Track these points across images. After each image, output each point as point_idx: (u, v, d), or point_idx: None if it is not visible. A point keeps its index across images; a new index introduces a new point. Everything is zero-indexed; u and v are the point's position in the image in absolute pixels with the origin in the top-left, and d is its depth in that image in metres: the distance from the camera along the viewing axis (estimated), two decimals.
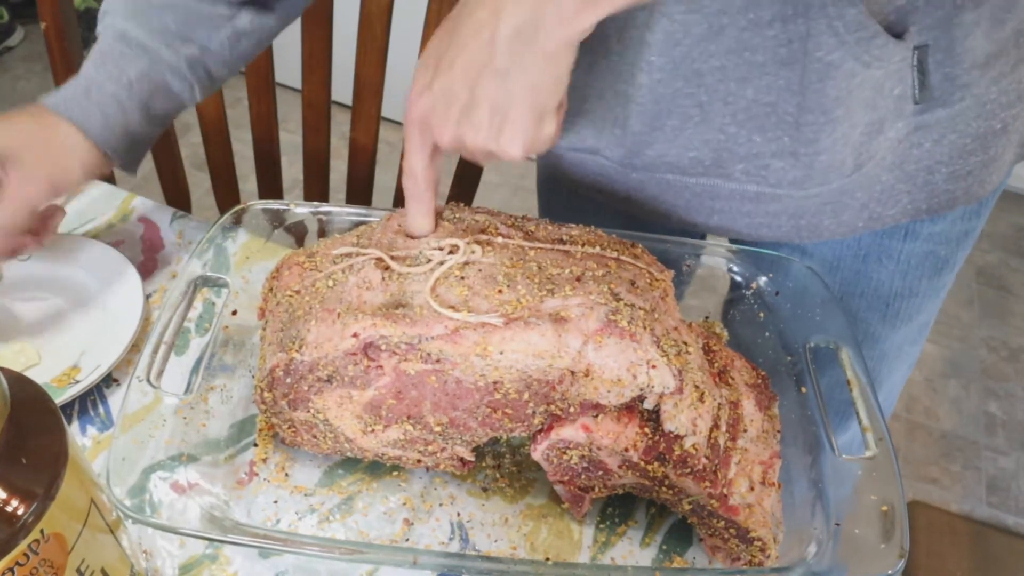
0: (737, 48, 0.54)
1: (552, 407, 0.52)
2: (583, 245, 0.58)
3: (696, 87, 0.58)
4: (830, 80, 0.54)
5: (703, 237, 0.92)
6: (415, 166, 0.54)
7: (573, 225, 0.61)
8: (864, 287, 0.70)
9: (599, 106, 0.66)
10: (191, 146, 2.09)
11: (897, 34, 0.53)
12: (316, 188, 1.12)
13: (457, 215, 0.60)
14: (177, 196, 1.13)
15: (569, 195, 0.81)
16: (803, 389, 0.59)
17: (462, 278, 0.53)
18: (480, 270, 0.54)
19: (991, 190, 0.65)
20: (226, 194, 1.15)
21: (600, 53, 0.62)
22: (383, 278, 0.55)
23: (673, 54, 0.57)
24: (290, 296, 0.57)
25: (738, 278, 0.68)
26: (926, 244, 0.68)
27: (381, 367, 0.52)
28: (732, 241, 0.79)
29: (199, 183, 1.50)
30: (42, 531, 0.38)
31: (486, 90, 0.47)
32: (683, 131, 0.60)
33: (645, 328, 0.51)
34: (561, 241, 0.59)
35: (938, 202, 0.64)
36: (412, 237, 0.58)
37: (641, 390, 0.50)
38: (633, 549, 0.58)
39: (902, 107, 0.57)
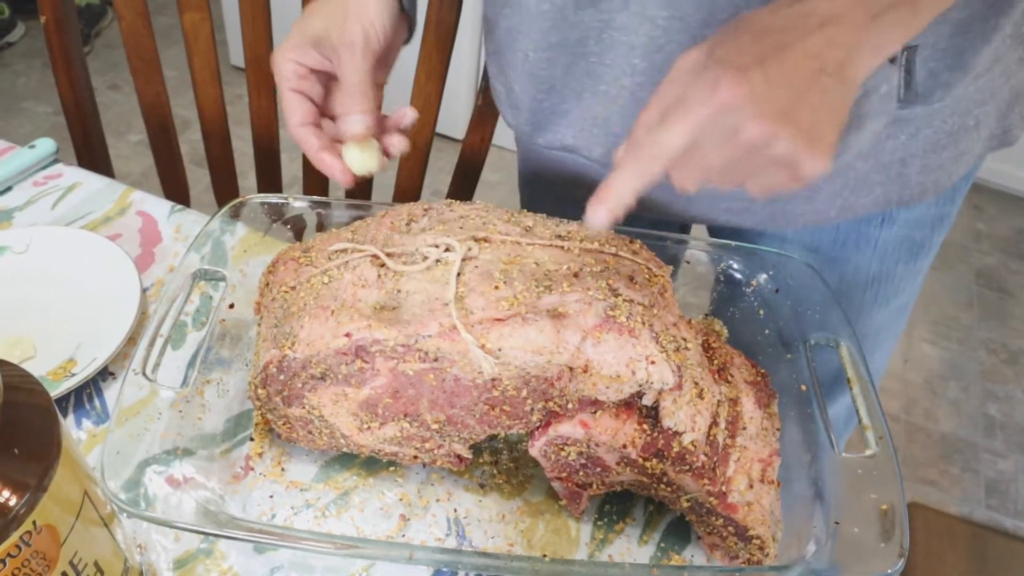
0: None
1: (550, 404, 0.51)
2: (581, 241, 0.57)
3: None
4: None
5: (685, 228, 0.93)
6: (674, 141, 0.44)
7: (570, 221, 0.61)
8: (843, 271, 0.72)
9: (577, 106, 0.67)
10: (191, 142, 2.09)
11: None
12: (315, 184, 1.12)
13: (454, 211, 0.60)
14: (176, 192, 1.13)
15: (549, 192, 0.81)
16: (803, 387, 0.59)
17: (459, 275, 0.53)
18: (477, 267, 0.54)
19: (957, 180, 0.67)
20: (225, 190, 1.15)
21: (578, 54, 0.63)
22: (379, 276, 0.55)
23: (655, 58, 0.57)
24: (285, 292, 0.57)
25: (738, 275, 0.67)
26: (902, 229, 0.69)
27: (377, 369, 0.52)
28: (719, 233, 0.79)
29: (199, 179, 1.50)
30: (34, 523, 0.37)
31: (813, 96, 0.43)
32: None
33: (644, 324, 0.50)
34: (559, 237, 0.59)
35: (910, 193, 0.65)
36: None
37: (640, 386, 0.50)
38: (631, 547, 0.57)
39: (886, 105, 0.58)
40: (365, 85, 0.60)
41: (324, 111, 0.64)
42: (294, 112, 0.61)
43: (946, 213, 0.70)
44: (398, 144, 0.64)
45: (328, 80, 0.63)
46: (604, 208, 0.46)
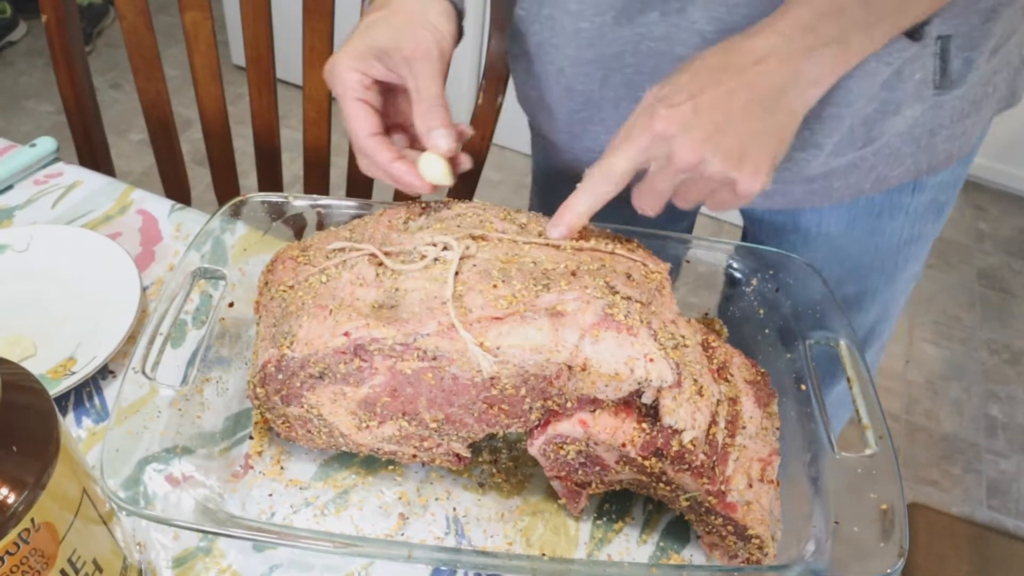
0: None
1: (549, 402, 0.51)
2: (577, 239, 0.57)
3: None
4: (853, 78, 0.57)
5: (692, 225, 0.93)
6: (619, 166, 0.53)
7: None
8: (879, 238, 0.75)
9: (615, 114, 0.68)
10: (192, 141, 2.09)
11: (915, 28, 0.56)
12: (316, 184, 1.12)
13: (451, 209, 0.60)
14: (177, 191, 1.13)
15: (566, 188, 0.82)
16: (803, 386, 0.59)
17: (457, 274, 0.53)
18: (475, 265, 0.54)
19: (975, 143, 0.71)
20: (226, 189, 1.15)
21: (613, 68, 0.64)
22: (377, 274, 0.55)
23: None
24: (284, 291, 0.57)
25: (737, 275, 0.67)
26: (930, 194, 0.73)
27: (375, 368, 0.52)
28: (753, 217, 0.80)
29: (200, 178, 1.50)
30: (32, 520, 0.37)
31: (740, 123, 0.50)
32: None
33: (642, 322, 0.50)
34: None
35: (937, 160, 0.68)
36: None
37: (639, 384, 0.49)
38: (630, 546, 0.57)
39: (921, 91, 0.61)
40: (442, 97, 0.59)
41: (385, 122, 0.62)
42: (362, 123, 0.59)
43: (963, 173, 0.74)
44: (465, 163, 0.62)
45: (385, 91, 0.62)
46: (563, 225, 0.55)
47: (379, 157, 0.59)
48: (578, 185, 0.55)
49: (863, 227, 0.74)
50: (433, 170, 0.59)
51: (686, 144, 0.50)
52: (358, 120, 0.59)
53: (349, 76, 0.59)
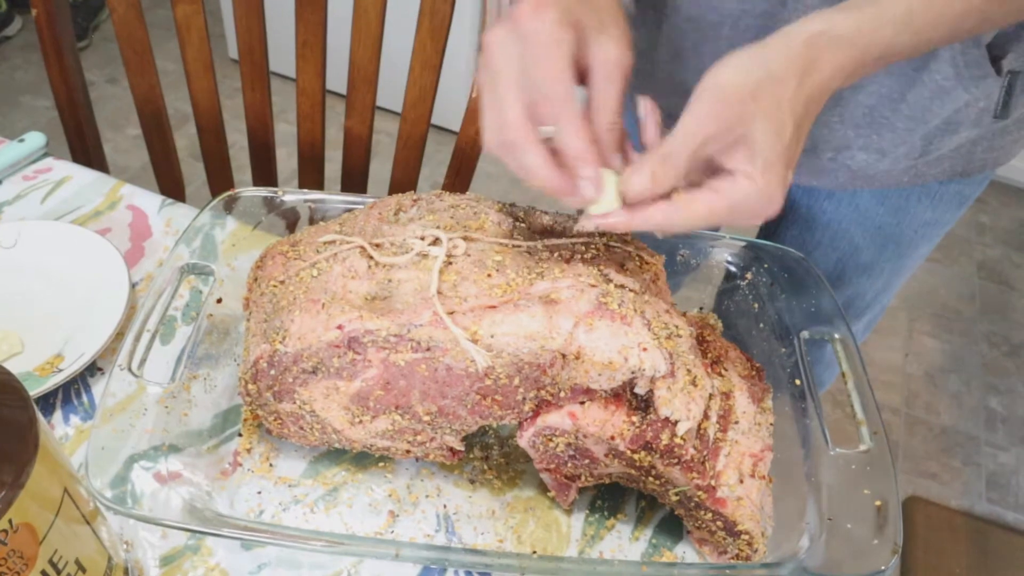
0: None
1: (543, 392, 0.51)
2: (571, 236, 0.57)
3: None
4: (937, 100, 0.61)
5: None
6: (695, 224, 0.46)
7: (562, 213, 0.60)
8: (902, 217, 0.79)
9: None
10: (189, 137, 2.08)
11: (996, 57, 0.59)
12: (311, 177, 1.11)
13: (444, 201, 0.59)
14: (171, 186, 1.12)
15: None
16: (797, 381, 0.58)
17: (450, 263, 0.53)
18: (469, 255, 0.54)
19: (1012, 158, 0.74)
20: (221, 185, 1.14)
21: (710, 37, 0.65)
22: (369, 267, 0.54)
23: None
24: (275, 286, 0.56)
25: (733, 269, 0.67)
26: (959, 187, 0.77)
27: (369, 361, 0.51)
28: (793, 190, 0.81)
29: (197, 174, 1.49)
30: (10, 521, 0.37)
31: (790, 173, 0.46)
32: None
33: (635, 311, 0.50)
34: (551, 230, 0.58)
35: (973, 167, 0.72)
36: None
37: (632, 373, 0.49)
38: (622, 543, 0.57)
39: (982, 118, 0.64)
40: (621, 126, 0.48)
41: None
42: (554, 61, 0.45)
43: (991, 174, 0.77)
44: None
45: None
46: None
47: (578, 130, 0.45)
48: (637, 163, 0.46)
49: (892, 205, 0.77)
50: (609, 192, 0.46)
51: (756, 216, 0.46)
52: (558, 62, 0.45)
53: (560, 31, 0.45)
